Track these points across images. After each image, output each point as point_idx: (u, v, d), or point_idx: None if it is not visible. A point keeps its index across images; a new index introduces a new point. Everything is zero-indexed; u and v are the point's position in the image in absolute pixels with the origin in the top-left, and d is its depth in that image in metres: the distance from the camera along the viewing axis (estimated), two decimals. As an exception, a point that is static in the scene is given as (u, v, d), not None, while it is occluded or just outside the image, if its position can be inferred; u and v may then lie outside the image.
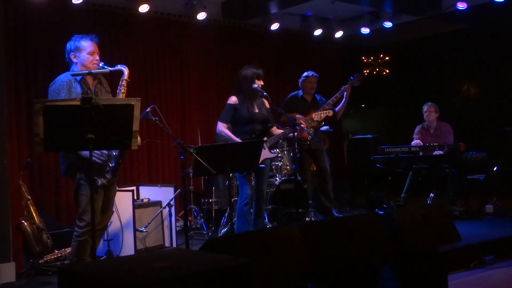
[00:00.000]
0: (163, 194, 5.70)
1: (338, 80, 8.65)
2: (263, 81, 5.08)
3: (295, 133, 5.00)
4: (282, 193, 6.16)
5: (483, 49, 8.57)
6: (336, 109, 6.44)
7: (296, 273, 3.11)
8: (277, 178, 6.24)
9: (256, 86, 4.99)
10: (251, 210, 5.12)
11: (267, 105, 5.19)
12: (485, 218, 6.69)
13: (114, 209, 5.02)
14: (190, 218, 6.47)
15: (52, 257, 4.77)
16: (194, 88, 7.59)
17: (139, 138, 3.62)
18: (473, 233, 5.52)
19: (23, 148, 5.87)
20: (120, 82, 4.06)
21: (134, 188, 5.65)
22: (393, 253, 3.61)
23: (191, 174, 6.02)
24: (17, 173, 5.24)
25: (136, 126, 3.47)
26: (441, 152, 6.73)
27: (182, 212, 6.31)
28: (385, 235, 3.64)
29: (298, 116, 6.15)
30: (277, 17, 7.70)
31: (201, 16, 7.01)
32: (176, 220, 5.81)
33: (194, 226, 6.35)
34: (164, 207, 5.57)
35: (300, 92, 6.61)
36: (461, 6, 7.31)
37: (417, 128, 7.37)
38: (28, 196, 4.84)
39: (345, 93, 6.37)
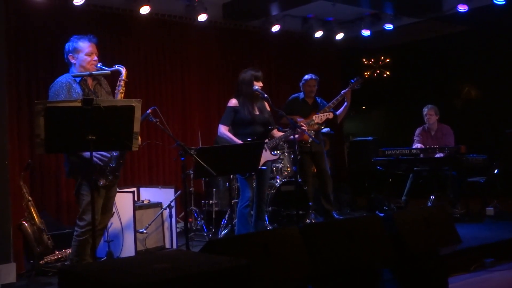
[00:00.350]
0: (164, 195, 5.70)
1: (338, 82, 8.66)
2: (262, 83, 5.07)
3: (296, 135, 5.01)
4: (283, 195, 6.16)
5: (484, 51, 8.57)
6: (338, 112, 6.43)
7: (297, 274, 3.11)
8: (277, 180, 6.24)
9: (256, 88, 5.00)
10: (252, 212, 5.12)
11: (268, 107, 5.20)
12: (485, 220, 6.68)
13: (114, 210, 5.03)
14: (190, 219, 6.47)
15: (53, 258, 4.77)
16: (195, 89, 7.59)
17: (139, 139, 3.62)
18: (473, 236, 5.51)
19: (24, 149, 5.87)
20: (118, 82, 4.07)
21: (134, 189, 5.66)
22: (393, 255, 3.62)
23: (191, 175, 6.03)
24: (18, 174, 5.24)
25: (136, 128, 3.48)
26: (441, 155, 6.73)
27: (183, 213, 6.32)
28: (385, 237, 3.64)
29: (299, 119, 6.15)
30: (278, 19, 7.71)
31: (202, 17, 7.02)
32: (177, 222, 5.81)
33: (194, 228, 6.35)
34: (165, 209, 5.57)
35: (301, 95, 6.61)
36: (462, 8, 7.31)
37: (418, 130, 7.37)
38: (29, 197, 4.84)
39: (346, 96, 6.36)
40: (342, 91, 6.37)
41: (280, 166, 6.29)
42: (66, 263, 4.70)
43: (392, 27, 8.02)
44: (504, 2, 6.99)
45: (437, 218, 4.04)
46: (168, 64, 7.33)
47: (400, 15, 7.97)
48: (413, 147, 7.08)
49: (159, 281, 2.12)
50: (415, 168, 7.11)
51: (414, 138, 7.32)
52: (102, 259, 5.01)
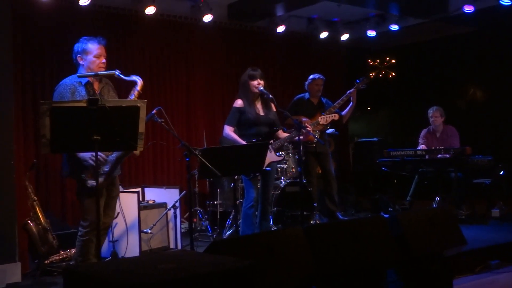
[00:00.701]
0: (168, 195, 5.71)
1: (343, 83, 8.64)
2: (261, 81, 5.04)
3: (301, 137, 5.00)
4: (287, 196, 6.16)
5: (490, 52, 8.54)
6: (343, 112, 6.42)
7: (301, 275, 3.11)
8: (282, 180, 6.24)
9: (261, 88, 5.00)
10: (256, 213, 5.12)
11: (274, 108, 5.20)
12: (491, 222, 6.66)
13: (119, 210, 5.04)
14: (195, 220, 6.48)
15: (58, 257, 4.78)
16: (200, 90, 7.60)
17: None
18: (479, 237, 5.49)
19: (30, 149, 5.89)
20: (132, 91, 4.06)
21: (139, 189, 5.67)
22: (398, 257, 3.61)
23: (196, 176, 6.04)
24: (24, 173, 5.26)
25: (142, 128, 3.48)
26: (447, 156, 6.71)
27: (187, 214, 6.30)
28: (390, 238, 3.63)
29: (304, 119, 6.14)
30: (283, 19, 7.70)
31: (207, 18, 7.02)
32: (181, 222, 5.82)
33: (199, 228, 6.36)
34: (169, 209, 5.58)
35: (307, 95, 6.60)
36: (468, 9, 7.29)
37: (423, 132, 7.35)
38: (34, 197, 4.86)
39: (351, 96, 6.35)
40: (348, 91, 6.36)
41: (285, 167, 6.29)
42: (71, 263, 4.71)
43: (398, 28, 8.00)
44: (510, 3, 6.96)
45: (442, 220, 4.03)
46: (173, 64, 7.34)
47: (405, 16, 7.95)
48: (418, 148, 7.07)
49: (163, 281, 2.12)
50: (420, 169, 7.09)
51: (419, 141, 7.31)
52: (107, 259, 5.02)
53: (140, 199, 5.47)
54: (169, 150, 7.14)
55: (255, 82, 5.01)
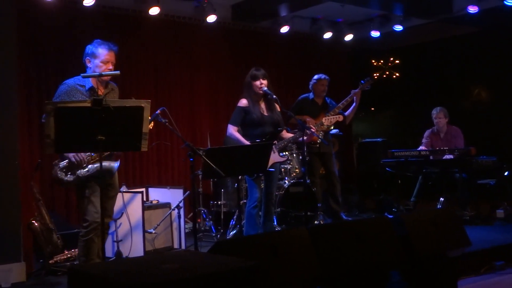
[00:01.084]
0: (172, 196, 5.71)
1: (347, 83, 8.63)
2: (263, 80, 5.03)
3: (305, 137, 5.00)
4: (291, 196, 6.16)
5: (494, 53, 8.51)
6: (346, 113, 6.42)
7: (305, 276, 3.11)
8: (286, 181, 6.24)
9: (265, 89, 5.00)
10: (260, 213, 5.12)
11: (278, 108, 5.20)
12: (495, 223, 6.65)
13: (123, 210, 5.05)
14: (199, 220, 6.48)
15: (62, 257, 4.79)
16: (204, 90, 7.61)
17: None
18: (483, 238, 5.48)
19: (34, 149, 5.91)
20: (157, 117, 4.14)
21: (143, 189, 5.68)
22: (402, 257, 3.60)
23: (200, 176, 6.04)
24: (28, 173, 5.28)
25: (146, 128, 3.49)
26: (451, 157, 6.70)
27: (191, 214, 6.32)
28: (394, 239, 3.62)
29: (308, 119, 6.14)
30: (287, 20, 7.70)
31: (211, 18, 7.03)
32: (185, 222, 5.82)
33: (203, 228, 6.36)
34: (173, 209, 5.58)
35: (311, 95, 6.60)
36: (472, 9, 7.28)
37: (427, 132, 7.34)
38: (39, 197, 4.87)
39: (355, 97, 6.35)
40: (352, 92, 6.35)
41: (289, 167, 6.29)
42: (75, 263, 4.72)
43: (402, 28, 7.99)
44: (514, 3, 6.95)
45: (447, 220, 4.02)
46: (177, 64, 7.35)
47: (409, 16, 7.94)
48: (418, 149, 7.06)
49: (167, 281, 2.13)
50: (424, 170, 7.08)
51: (423, 141, 7.30)
52: (111, 259, 5.03)
53: (144, 199, 5.48)
54: (173, 150, 7.15)
55: (257, 83, 5.01)
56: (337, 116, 6.05)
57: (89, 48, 4.08)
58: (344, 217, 6.60)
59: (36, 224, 4.77)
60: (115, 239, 5.17)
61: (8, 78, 4.66)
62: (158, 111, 4.31)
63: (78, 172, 3.92)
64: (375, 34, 8.22)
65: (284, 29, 7.71)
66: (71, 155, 3.86)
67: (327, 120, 6.00)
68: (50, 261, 4.72)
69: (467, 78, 9.04)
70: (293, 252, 3.10)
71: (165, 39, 7.23)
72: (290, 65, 8.50)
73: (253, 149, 4.66)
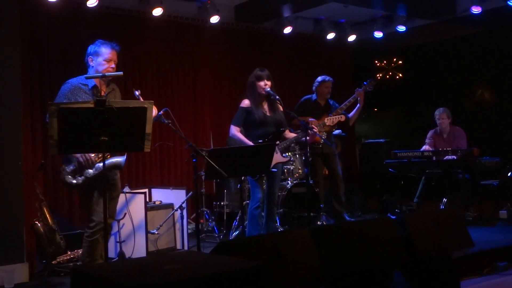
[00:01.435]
0: (175, 196, 5.72)
1: (350, 84, 8.63)
2: (269, 82, 5.04)
3: (307, 137, 5.00)
4: (294, 197, 6.16)
5: (498, 53, 8.50)
6: (350, 115, 6.41)
7: (307, 276, 3.11)
8: (288, 181, 6.24)
9: (268, 89, 5.00)
10: (263, 214, 5.12)
11: (281, 109, 5.20)
12: (498, 223, 6.63)
13: (126, 211, 5.06)
14: (201, 220, 6.49)
15: (65, 258, 4.80)
16: (207, 91, 7.61)
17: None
18: (486, 239, 5.47)
19: (38, 149, 5.92)
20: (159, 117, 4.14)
21: (146, 190, 5.69)
22: (405, 258, 3.60)
23: (203, 177, 6.05)
24: (32, 174, 5.29)
25: (149, 129, 3.49)
26: (454, 157, 6.69)
27: (194, 214, 6.32)
28: (397, 239, 3.62)
29: (310, 119, 6.14)
30: (290, 20, 7.70)
31: (214, 19, 7.04)
32: (188, 223, 5.83)
33: (205, 229, 6.37)
34: (176, 210, 5.59)
35: (314, 96, 6.59)
36: (476, 10, 7.26)
37: (430, 133, 7.34)
38: (42, 197, 4.88)
39: (358, 98, 6.34)
40: (355, 92, 6.34)
41: (292, 168, 6.28)
42: (78, 263, 4.73)
43: (405, 29, 7.98)
44: (518, 4, 6.94)
45: (449, 221, 4.02)
46: (180, 65, 7.36)
47: (412, 17, 7.93)
48: (421, 149, 7.05)
49: (170, 282, 2.13)
50: (427, 171, 7.07)
51: (426, 141, 7.29)
52: (114, 260, 5.04)
53: (147, 199, 5.48)
54: (176, 151, 7.16)
55: (262, 83, 5.01)
56: (339, 116, 6.05)
57: (91, 47, 4.10)
58: (347, 217, 6.60)
59: (39, 224, 4.78)
60: (118, 240, 5.18)
61: (11, 79, 4.67)
62: (161, 112, 4.32)
63: (86, 172, 3.91)
64: (378, 34, 8.21)
65: (287, 29, 7.71)
66: (78, 155, 3.85)
67: (329, 120, 6.00)
68: (53, 262, 4.73)
69: (470, 79, 9.03)
70: (295, 252, 3.10)
71: (168, 40, 7.24)
72: (293, 66, 8.50)
73: (256, 150, 4.66)
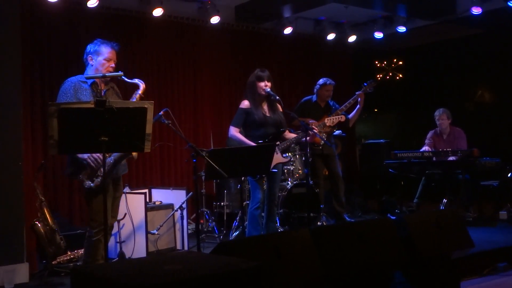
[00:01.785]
0: (175, 197, 5.72)
1: (351, 85, 8.64)
2: (269, 83, 5.04)
3: (308, 138, 5.00)
4: (294, 197, 6.16)
5: (498, 54, 8.50)
6: (350, 115, 6.41)
7: (308, 277, 3.11)
8: (289, 182, 6.24)
9: (269, 90, 5.00)
10: (263, 214, 5.12)
11: (280, 109, 5.20)
12: (498, 224, 6.63)
13: (126, 211, 5.06)
14: (201, 221, 6.49)
15: (65, 258, 4.80)
16: (207, 91, 7.62)
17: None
18: (486, 240, 5.47)
19: (38, 150, 5.93)
20: (134, 95, 4.07)
21: (146, 190, 5.69)
22: (405, 259, 3.60)
23: (203, 177, 6.05)
24: (32, 174, 5.29)
25: (149, 129, 3.49)
26: (454, 158, 6.69)
27: (194, 215, 6.33)
28: (397, 240, 3.62)
29: (310, 121, 6.14)
30: (290, 21, 7.71)
31: (215, 20, 7.04)
32: (188, 223, 5.83)
33: (205, 229, 6.37)
34: (176, 210, 5.59)
35: (314, 97, 6.59)
36: (476, 11, 7.26)
37: (430, 133, 7.34)
38: (42, 198, 4.88)
39: (359, 99, 6.34)
40: (356, 94, 6.34)
41: (292, 168, 6.29)
42: (78, 264, 4.73)
43: (405, 30, 7.98)
44: (518, 5, 6.94)
45: (450, 222, 4.02)
46: (180, 66, 7.37)
47: (413, 18, 7.94)
48: (421, 150, 7.05)
49: (170, 282, 2.13)
50: (427, 171, 7.07)
51: (425, 141, 7.29)
52: (114, 260, 5.04)
53: (147, 200, 5.48)
54: (176, 151, 7.16)
55: (262, 84, 5.01)
56: (339, 116, 6.05)
57: (91, 46, 4.10)
58: (347, 218, 6.60)
59: (39, 225, 4.78)
60: (118, 240, 5.18)
61: (12, 79, 4.67)
62: (161, 112, 4.32)
63: (100, 172, 3.89)
64: (378, 35, 8.21)
65: (288, 30, 7.72)
66: (86, 157, 3.83)
67: (330, 120, 6.00)
68: (53, 262, 4.73)
69: (470, 79, 9.03)
70: (295, 253, 3.10)
71: (168, 40, 7.24)
72: (293, 66, 8.51)
73: (256, 150, 4.66)
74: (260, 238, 3.54)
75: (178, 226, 5.68)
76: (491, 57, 8.57)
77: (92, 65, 4.07)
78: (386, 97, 9.63)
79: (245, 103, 5.09)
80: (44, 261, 4.81)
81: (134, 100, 4.01)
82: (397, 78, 9.80)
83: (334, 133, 6.78)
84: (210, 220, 6.42)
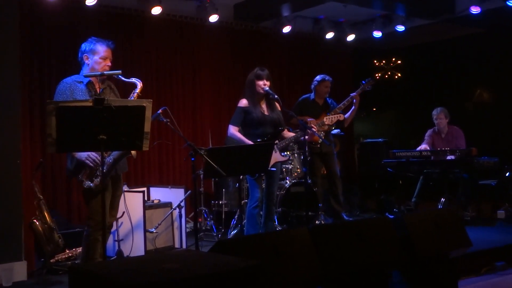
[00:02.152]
0: (174, 195, 5.72)
1: (349, 84, 8.63)
2: (268, 81, 5.04)
3: (306, 137, 5.00)
4: (292, 196, 6.16)
5: (497, 54, 8.51)
6: (346, 116, 6.40)
7: (306, 275, 3.11)
8: (287, 180, 6.24)
9: (267, 89, 5.00)
10: (261, 213, 5.12)
11: (279, 108, 5.20)
12: (496, 223, 6.65)
13: (125, 209, 5.05)
14: (200, 219, 6.49)
15: (63, 256, 4.80)
16: (206, 90, 7.61)
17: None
18: (484, 239, 5.48)
19: (36, 148, 5.92)
20: (132, 94, 4.08)
21: (144, 189, 5.69)
22: (403, 258, 3.61)
23: (201, 175, 6.05)
24: (30, 173, 5.29)
25: (147, 128, 3.49)
26: (452, 157, 6.69)
27: (192, 213, 6.33)
28: (395, 239, 3.63)
29: (309, 119, 6.13)
30: (289, 20, 7.70)
31: (213, 18, 7.03)
32: (186, 222, 5.82)
33: (204, 228, 6.37)
34: (175, 209, 5.59)
35: (312, 95, 6.59)
36: (475, 10, 7.26)
37: (429, 132, 7.34)
38: (40, 196, 4.88)
39: (354, 100, 6.30)
40: (351, 94, 6.33)
41: (290, 167, 6.29)
42: (76, 262, 4.73)
43: (404, 29, 7.98)
44: (517, 4, 6.94)
45: (448, 221, 4.02)
46: (179, 64, 7.36)
47: (412, 17, 7.93)
48: (418, 148, 7.05)
49: (168, 281, 2.13)
50: (425, 170, 7.07)
51: (424, 138, 7.30)
52: (112, 258, 5.04)
53: (145, 198, 5.48)
54: (175, 149, 7.15)
55: (261, 82, 5.01)
56: (338, 115, 6.03)
57: (85, 45, 4.09)
58: (345, 217, 6.60)
59: (37, 223, 4.78)
60: (116, 238, 5.18)
61: (10, 78, 4.67)
62: (160, 111, 4.32)
63: (99, 171, 3.89)
64: (377, 34, 8.21)
65: (286, 29, 7.71)
66: (83, 158, 3.83)
67: (328, 119, 6.00)
68: (51, 260, 4.73)
69: (469, 79, 9.04)
70: (294, 252, 3.10)
71: (167, 38, 7.23)
72: (292, 65, 8.50)
73: (255, 149, 4.66)
74: (258, 237, 3.55)
75: (176, 224, 5.68)
76: (490, 56, 8.58)
77: (88, 64, 4.07)
78: (385, 96, 9.64)
79: (244, 102, 5.09)
80: (42, 259, 4.80)
81: (132, 99, 4.01)
82: (396, 77, 9.81)
83: (333, 132, 6.78)
84: (209, 219, 6.42)
